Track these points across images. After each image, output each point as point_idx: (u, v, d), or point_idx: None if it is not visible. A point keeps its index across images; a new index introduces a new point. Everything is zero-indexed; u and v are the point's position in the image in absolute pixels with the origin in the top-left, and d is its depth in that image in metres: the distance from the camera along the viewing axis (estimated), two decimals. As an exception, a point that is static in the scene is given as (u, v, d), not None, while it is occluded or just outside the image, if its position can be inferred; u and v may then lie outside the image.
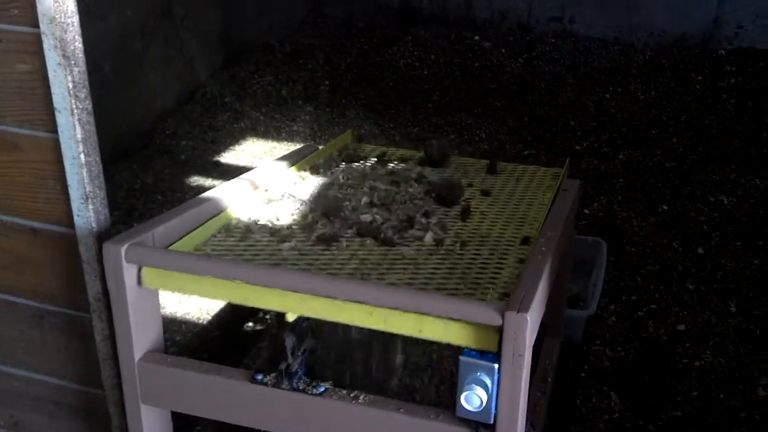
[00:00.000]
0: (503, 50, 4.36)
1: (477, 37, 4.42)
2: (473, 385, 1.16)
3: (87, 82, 1.23)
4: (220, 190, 1.61)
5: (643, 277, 2.58)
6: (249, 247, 1.41)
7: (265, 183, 1.74)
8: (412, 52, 4.33)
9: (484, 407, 1.16)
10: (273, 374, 1.31)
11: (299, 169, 1.87)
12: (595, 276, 2.41)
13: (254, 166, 1.93)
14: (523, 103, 3.95)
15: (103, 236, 1.36)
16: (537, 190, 1.82)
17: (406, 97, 4.01)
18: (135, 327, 1.33)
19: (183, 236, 1.40)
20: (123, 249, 1.27)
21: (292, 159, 1.93)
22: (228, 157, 3.48)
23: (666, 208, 2.99)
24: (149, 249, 1.29)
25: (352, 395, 1.28)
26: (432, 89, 4.09)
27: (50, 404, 1.54)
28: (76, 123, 1.23)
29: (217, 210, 1.53)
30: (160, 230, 1.37)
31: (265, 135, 3.68)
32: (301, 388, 1.29)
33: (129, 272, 1.29)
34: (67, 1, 1.14)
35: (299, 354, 1.33)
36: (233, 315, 2.53)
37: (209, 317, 2.41)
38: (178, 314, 2.44)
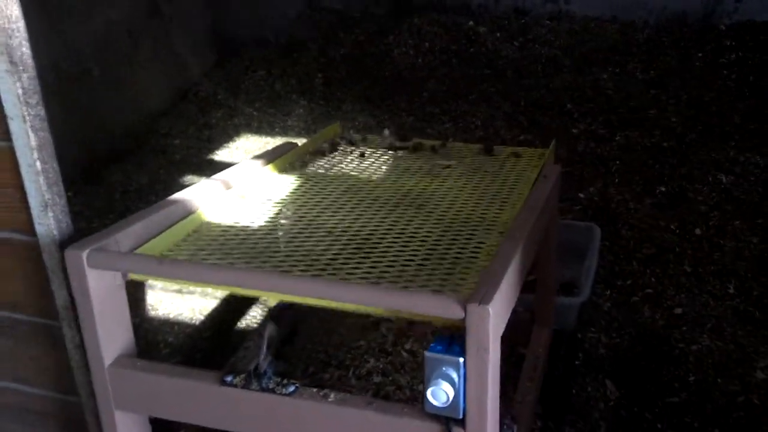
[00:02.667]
0: (498, 34, 4.31)
1: (472, 23, 4.37)
2: (439, 380, 1.13)
3: (38, 88, 1.21)
4: (191, 192, 1.59)
5: (639, 261, 2.54)
6: (219, 248, 1.39)
7: (239, 183, 1.72)
8: (407, 41, 4.29)
9: (452, 402, 1.13)
10: (242, 375, 1.30)
11: (276, 167, 1.85)
12: (588, 262, 2.37)
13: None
14: (519, 87, 3.91)
15: (65, 243, 1.34)
16: (521, 173, 1.79)
17: (402, 87, 3.97)
18: (103, 333, 1.32)
19: (149, 240, 1.39)
20: (84, 254, 1.26)
21: (268, 157, 1.91)
22: (222, 155, 3.46)
23: (663, 189, 2.94)
24: (112, 253, 1.27)
25: (321, 394, 1.26)
26: (427, 78, 4.05)
27: (28, 413, 1.54)
28: (29, 130, 1.21)
29: (187, 212, 1.51)
30: (125, 234, 1.35)
31: (259, 131, 3.66)
32: (270, 387, 1.27)
33: (93, 277, 1.28)
34: (10, 6, 1.12)
35: (268, 354, 1.31)
36: (226, 315, 2.53)
37: (202, 317, 2.40)
38: (171, 315, 2.43)
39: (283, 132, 3.64)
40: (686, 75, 3.87)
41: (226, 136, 3.59)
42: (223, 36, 4.06)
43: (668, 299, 2.35)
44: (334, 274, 1.28)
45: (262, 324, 1.31)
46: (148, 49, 3.46)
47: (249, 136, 3.61)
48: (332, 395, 1.25)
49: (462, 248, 1.37)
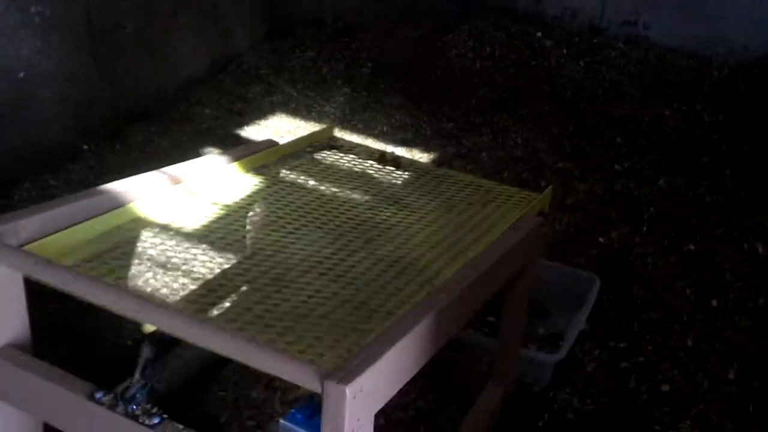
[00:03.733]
0: (565, 51, 4.08)
1: (539, 34, 4.16)
2: (291, 453, 1.02)
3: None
4: (129, 182, 1.50)
5: (641, 324, 2.34)
6: (131, 251, 1.30)
7: (193, 177, 1.63)
8: (467, 42, 4.11)
9: (303, 479, 1.02)
10: (111, 395, 1.21)
11: (242, 167, 1.75)
12: (578, 316, 2.20)
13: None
14: (573, 110, 3.69)
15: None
16: (499, 219, 1.64)
17: (450, 90, 3.81)
18: (-15, 320, 1.25)
19: (56, 232, 1.31)
20: (-32, 240, 1.19)
21: (239, 153, 1.81)
22: (250, 131, 3.39)
23: (692, 248, 2.71)
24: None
25: (184, 432, 1.16)
26: (480, 84, 3.87)
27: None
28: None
29: (115, 205, 1.43)
30: (30, 221, 1.28)
31: (295, 112, 3.57)
32: (135, 414, 1.18)
33: (-25, 265, 1.21)
34: None
35: (141, 378, 1.22)
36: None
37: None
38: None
39: (318, 118, 3.54)
40: (755, 125, 3.58)
41: (260, 112, 3.52)
42: (277, 11, 3.97)
43: (660, 372, 2.16)
44: (224, 306, 1.18)
45: (140, 344, 1.21)
46: (191, 13, 3.40)
47: (283, 116, 3.53)
48: (195, 437, 1.16)
49: (372, 296, 1.24)
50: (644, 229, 2.82)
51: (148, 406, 1.19)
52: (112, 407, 1.19)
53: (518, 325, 1.76)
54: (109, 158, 3.06)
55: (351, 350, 1.06)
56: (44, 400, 1.25)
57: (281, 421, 1.03)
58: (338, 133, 3.43)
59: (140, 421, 1.17)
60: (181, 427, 1.17)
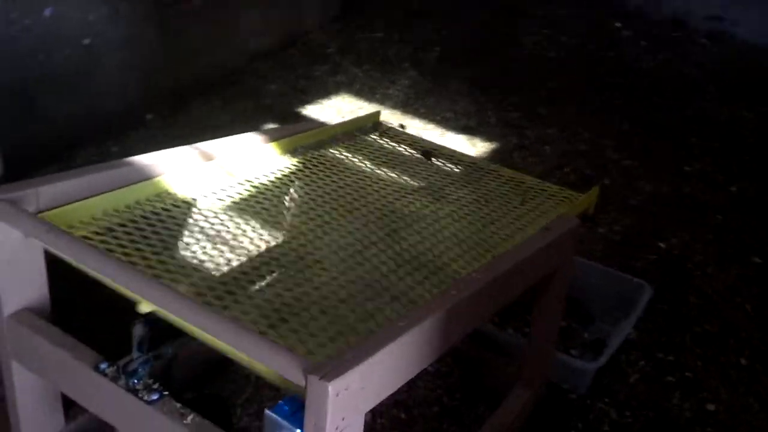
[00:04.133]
0: (644, 43, 3.91)
1: (618, 24, 4.00)
2: (274, 444, 1.00)
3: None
4: (160, 156, 1.50)
5: (693, 337, 2.22)
6: (148, 227, 1.29)
7: (228, 155, 1.61)
8: (543, 29, 3.99)
9: (283, 472, 0.99)
10: (114, 367, 1.21)
11: (281, 147, 1.72)
12: (624, 324, 2.10)
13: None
14: (647, 105, 3.54)
15: (-12, 186, 1.29)
16: (535, 218, 1.57)
17: (519, 78, 3.71)
18: (5, 282, 1.27)
19: (78, 200, 1.31)
20: (-13, 203, 1.20)
21: (279, 133, 1.79)
22: (311, 110, 3.38)
23: (758, 260, 2.56)
24: (11, 209, 1.21)
25: (180, 412, 1.15)
26: (551, 74, 3.75)
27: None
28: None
29: (142, 177, 1.43)
30: (50, 189, 1.29)
31: (359, 94, 3.54)
32: (135, 389, 1.18)
33: (-4, 227, 1.22)
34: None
35: (144, 353, 1.21)
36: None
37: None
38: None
39: (382, 100, 3.50)
40: None
41: (323, 91, 3.50)
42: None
43: (706, 390, 2.05)
44: (221, 290, 1.16)
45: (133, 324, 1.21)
46: (261, -11, 3.41)
47: (346, 96, 3.50)
48: (190, 417, 1.14)
49: (381, 292, 1.20)
50: (708, 236, 2.68)
51: (150, 382, 1.19)
52: (114, 380, 1.19)
53: (550, 328, 1.69)
54: (171, 128, 3.10)
55: (341, 348, 1.02)
56: (53, 366, 1.26)
57: (266, 411, 1.00)
58: (400, 117, 3.40)
59: (139, 395, 1.16)
60: (179, 405, 1.16)
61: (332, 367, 0.94)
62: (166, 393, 1.18)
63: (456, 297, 1.15)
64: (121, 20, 2.84)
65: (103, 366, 1.21)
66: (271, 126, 3.21)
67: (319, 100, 3.46)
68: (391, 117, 3.38)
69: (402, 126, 3.06)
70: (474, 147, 3.19)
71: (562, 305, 1.69)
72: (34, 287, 1.31)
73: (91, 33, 2.73)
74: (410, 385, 1.89)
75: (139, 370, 1.19)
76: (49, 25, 2.55)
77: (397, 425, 1.81)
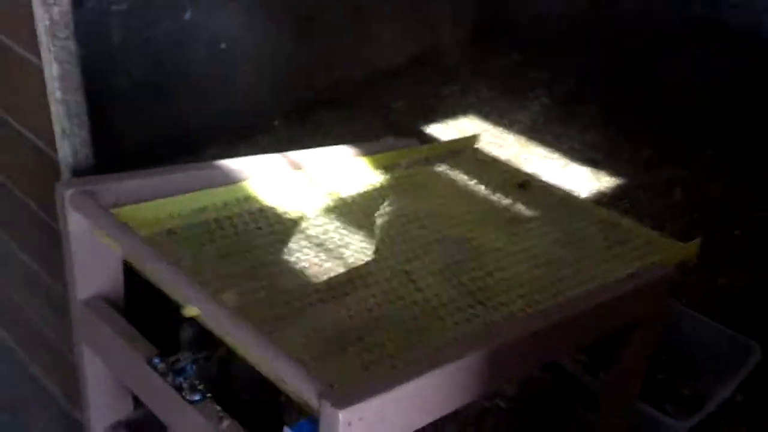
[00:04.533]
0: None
1: (777, 65, 3.71)
2: (288, 464, 0.99)
3: (71, 23, 1.22)
4: (245, 161, 1.53)
5: (808, 409, 2.02)
6: (215, 231, 1.32)
7: (316, 166, 1.63)
8: (691, 65, 3.76)
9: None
10: (165, 363, 1.25)
11: (373, 163, 1.73)
12: (727, 385, 1.94)
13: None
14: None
15: (80, 173, 1.37)
16: (620, 264, 1.47)
17: (659, 114, 3.52)
18: (79, 270, 1.34)
19: (151, 199, 1.36)
20: (68, 194, 1.27)
21: (372, 148, 1.79)
22: (436, 129, 3.37)
23: None
24: (88, 202, 1.27)
25: (219, 415, 1.17)
26: (694, 109, 3.52)
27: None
28: (53, 60, 1.24)
29: (222, 181, 1.46)
30: (128, 184, 1.34)
31: (486, 116, 3.49)
32: (181, 386, 1.21)
33: (72, 217, 1.29)
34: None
35: (189, 354, 1.24)
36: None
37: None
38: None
39: (509, 125, 3.43)
40: None
41: (451, 112, 3.48)
42: (486, 11, 3.89)
43: (815, 472, 1.85)
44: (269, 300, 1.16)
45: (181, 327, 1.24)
46: (397, 6, 3.43)
47: (473, 118, 3.47)
48: (226, 423, 1.16)
49: (429, 324, 1.16)
50: None
51: (196, 382, 1.21)
52: (163, 375, 1.22)
53: (630, 381, 1.58)
54: (297, 136, 3.18)
55: (370, 377, 1.00)
56: (115, 354, 1.32)
57: (285, 428, 0.99)
58: (525, 143, 3.33)
59: (182, 394, 1.19)
60: (218, 408, 1.18)
61: (348, 393, 0.92)
62: (209, 395, 1.20)
63: (502, 338, 1.10)
64: (258, 28, 2.95)
65: (155, 360, 1.24)
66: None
67: (445, 120, 3.44)
68: (515, 143, 3.31)
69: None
70: (598, 181, 3.06)
71: (644, 360, 1.58)
72: (109, 276, 1.37)
73: (227, 38, 2.86)
74: (478, 419, 1.83)
75: (188, 368, 1.22)
76: (187, 28, 2.69)
77: (458, 460, 1.76)
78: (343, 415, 0.89)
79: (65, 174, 1.35)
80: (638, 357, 1.55)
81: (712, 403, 1.88)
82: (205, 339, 1.25)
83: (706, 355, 2.10)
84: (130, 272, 1.34)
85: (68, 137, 1.31)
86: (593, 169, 3.13)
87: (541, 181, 1.76)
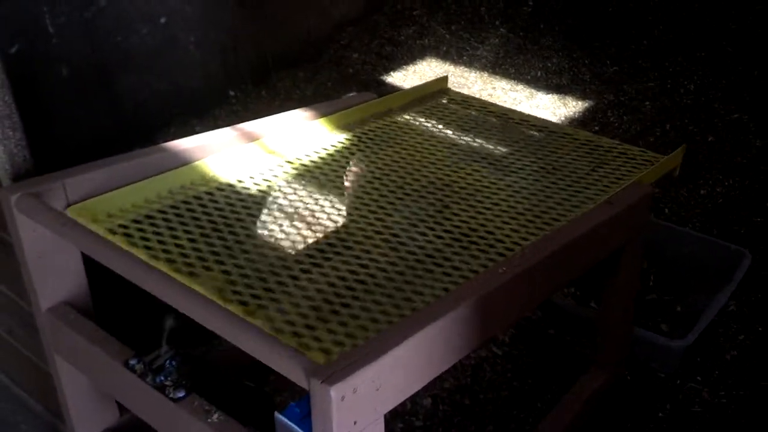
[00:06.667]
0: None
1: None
2: (283, 448, 0.94)
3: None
4: (197, 139, 1.46)
5: (803, 308, 2.01)
6: (180, 215, 1.25)
7: (274, 133, 1.55)
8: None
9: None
10: (142, 363, 1.19)
11: (331, 123, 1.65)
12: (719, 297, 1.92)
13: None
14: (764, 52, 3.21)
15: (20, 177, 1.29)
16: (605, 186, 1.43)
17: (618, 29, 3.45)
18: (38, 277, 1.27)
19: (108, 191, 1.29)
20: (13, 199, 1.20)
21: (330, 108, 1.71)
22: (396, 77, 3.28)
23: None
24: (37, 205, 1.19)
25: (206, 409, 1.12)
26: (655, 22, 3.47)
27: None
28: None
29: (178, 164, 1.39)
30: (78, 180, 1.27)
31: (445, 56, 3.41)
32: (163, 385, 1.15)
33: (23, 223, 1.22)
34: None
35: (169, 349, 1.18)
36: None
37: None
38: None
39: (469, 62, 3.35)
40: None
41: (409, 57, 3.39)
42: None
43: (817, 368, 1.84)
44: (242, 282, 1.10)
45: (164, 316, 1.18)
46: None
47: (432, 60, 3.38)
48: (215, 416, 1.11)
49: (422, 275, 1.11)
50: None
51: (179, 378, 1.16)
52: (142, 376, 1.16)
53: (623, 306, 1.55)
54: (255, 104, 3.09)
55: (358, 345, 0.95)
56: (88, 361, 1.26)
57: (276, 414, 0.94)
58: (488, 78, 3.25)
59: (166, 393, 1.14)
60: (205, 403, 1.13)
61: (338, 368, 0.87)
62: (192, 391, 1.14)
63: (493, 282, 1.05)
64: (197, -3, 2.83)
65: (132, 362, 1.19)
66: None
67: (404, 67, 3.35)
68: (478, 80, 3.24)
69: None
70: (565, 107, 3.00)
71: (635, 281, 1.54)
72: (71, 281, 1.30)
73: (167, 11, 2.74)
74: (475, 369, 1.80)
75: (167, 365, 1.16)
76: (124, 6, 2.57)
77: (461, 412, 1.72)
78: (335, 391, 0.84)
79: (5, 180, 1.27)
80: (627, 282, 1.52)
81: (707, 316, 1.87)
82: (186, 331, 1.20)
83: (694, 267, 2.08)
84: (96, 274, 1.28)
85: (1, 142, 1.23)
86: (559, 95, 3.07)
87: (518, 112, 1.70)
